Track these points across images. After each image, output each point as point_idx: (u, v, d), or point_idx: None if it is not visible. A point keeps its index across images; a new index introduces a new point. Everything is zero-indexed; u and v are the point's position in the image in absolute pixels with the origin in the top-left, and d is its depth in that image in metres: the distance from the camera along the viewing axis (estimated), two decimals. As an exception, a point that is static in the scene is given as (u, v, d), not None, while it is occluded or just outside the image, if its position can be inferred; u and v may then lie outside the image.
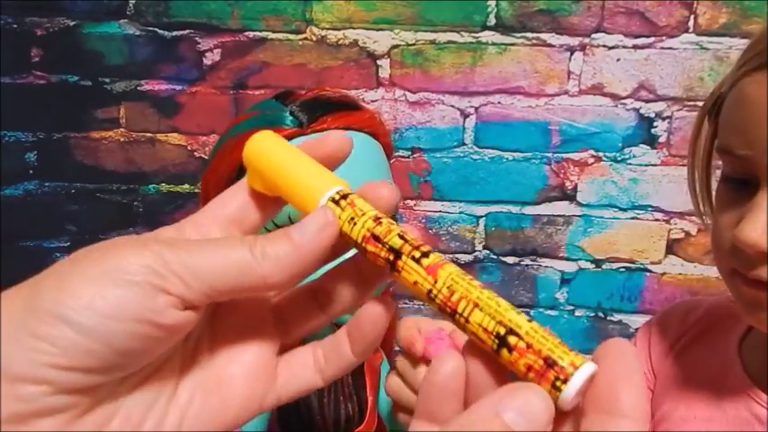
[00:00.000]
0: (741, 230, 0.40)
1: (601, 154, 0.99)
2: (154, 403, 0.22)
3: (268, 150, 0.25)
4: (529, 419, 0.18)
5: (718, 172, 0.49)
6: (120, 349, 0.20)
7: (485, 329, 0.20)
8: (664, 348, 0.60)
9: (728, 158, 0.44)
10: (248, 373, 0.24)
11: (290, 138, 0.46)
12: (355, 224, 0.23)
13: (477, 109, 1.00)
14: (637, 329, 0.66)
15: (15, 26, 1.01)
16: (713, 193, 0.52)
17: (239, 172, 0.50)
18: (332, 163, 0.25)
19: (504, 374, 0.21)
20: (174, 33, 1.00)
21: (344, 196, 0.23)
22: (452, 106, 1.00)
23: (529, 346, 0.19)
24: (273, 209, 0.26)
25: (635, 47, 0.95)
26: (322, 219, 0.22)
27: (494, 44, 0.97)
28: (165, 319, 0.20)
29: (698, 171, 0.53)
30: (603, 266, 1.04)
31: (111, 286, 0.19)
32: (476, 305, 0.20)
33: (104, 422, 0.20)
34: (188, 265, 0.20)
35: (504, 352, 0.19)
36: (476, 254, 1.05)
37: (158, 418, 0.22)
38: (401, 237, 0.22)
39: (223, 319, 0.25)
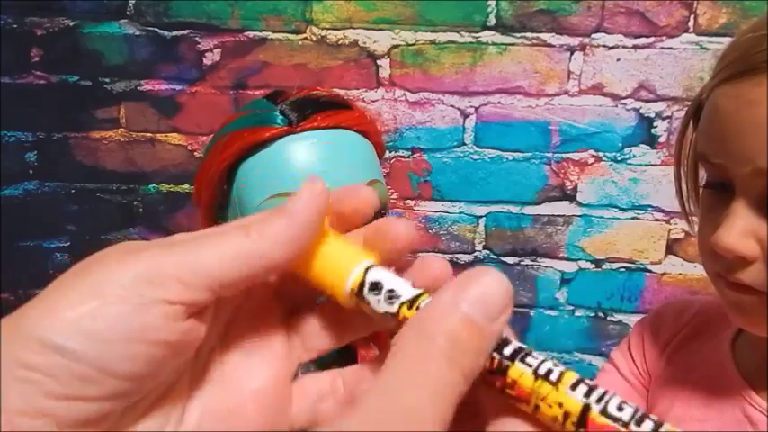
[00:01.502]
0: (717, 236, 0.42)
1: (601, 154, 0.99)
2: (161, 430, 0.20)
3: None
4: (487, 306, 0.18)
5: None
6: (121, 374, 0.18)
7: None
8: (658, 348, 0.61)
9: (706, 165, 0.46)
10: (261, 401, 0.22)
11: (280, 136, 0.46)
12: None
13: (477, 109, 1.00)
14: (636, 329, 0.66)
15: (15, 26, 1.01)
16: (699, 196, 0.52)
17: (230, 170, 0.50)
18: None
19: None
20: (174, 33, 1.00)
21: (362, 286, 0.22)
22: (452, 106, 1.00)
23: None
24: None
25: (635, 47, 0.95)
26: (309, 191, 0.21)
27: (494, 44, 0.97)
28: (166, 335, 0.18)
29: (683, 174, 0.54)
30: (603, 266, 1.04)
31: (100, 304, 0.18)
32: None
33: None
34: (185, 263, 0.19)
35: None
36: (476, 254, 1.05)
37: None
38: None
39: (234, 335, 0.23)
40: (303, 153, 0.45)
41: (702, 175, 0.52)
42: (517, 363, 0.19)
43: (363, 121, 0.49)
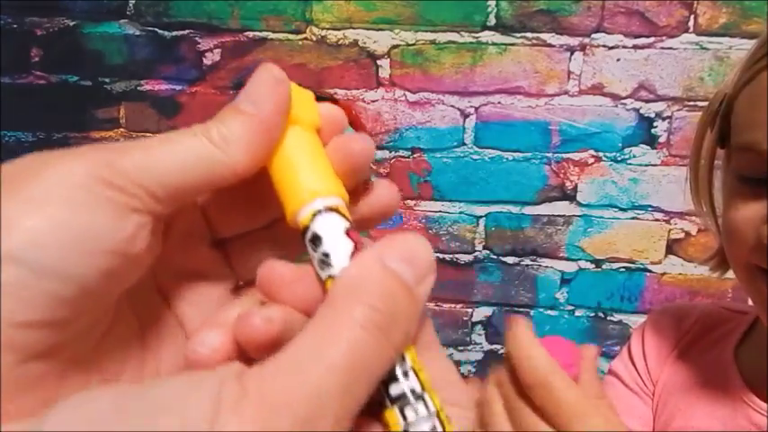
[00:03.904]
0: None
1: (601, 154, 0.99)
2: (126, 358, 0.19)
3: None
4: (414, 266, 0.17)
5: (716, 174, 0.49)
6: (86, 287, 0.16)
7: None
8: (660, 356, 0.59)
9: (747, 155, 0.43)
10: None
11: None
12: None
13: (477, 109, 1.00)
14: (637, 330, 0.65)
15: (15, 26, 1.01)
16: (713, 195, 0.51)
17: None
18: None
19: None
20: (174, 33, 1.00)
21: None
22: (452, 106, 1.00)
23: None
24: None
25: (635, 47, 0.95)
26: (269, 77, 0.18)
27: (494, 44, 0.97)
28: (135, 246, 0.17)
29: (700, 172, 0.53)
30: (603, 266, 1.04)
31: (55, 209, 0.15)
32: None
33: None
34: (143, 164, 0.16)
35: None
36: (476, 254, 1.05)
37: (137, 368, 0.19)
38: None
39: (169, 264, 0.21)
40: None
41: (715, 175, 0.51)
42: (395, 409, 0.16)
43: (349, 114, 0.56)
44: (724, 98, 0.46)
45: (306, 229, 0.18)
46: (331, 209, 0.18)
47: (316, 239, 0.18)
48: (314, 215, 0.18)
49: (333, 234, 0.18)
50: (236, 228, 0.22)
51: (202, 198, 0.21)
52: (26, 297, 0.15)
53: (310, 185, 0.18)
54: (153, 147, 0.17)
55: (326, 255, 0.18)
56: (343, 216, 0.18)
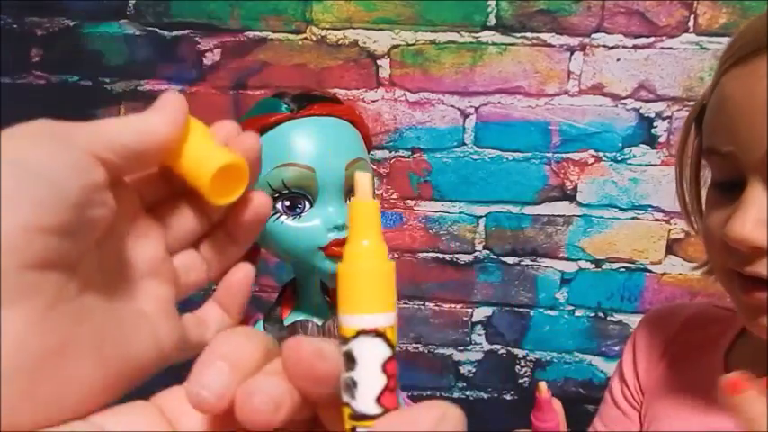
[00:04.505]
0: (730, 228, 0.40)
1: (601, 154, 0.99)
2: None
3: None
4: None
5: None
6: (76, 202, 0.18)
7: None
8: (650, 363, 0.59)
9: (714, 159, 0.44)
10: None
11: (284, 120, 0.54)
12: None
13: (477, 109, 1.00)
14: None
15: (15, 26, 1.01)
16: (703, 203, 0.51)
17: None
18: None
19: None
20: (174, 33, 1.00)
21: None
22: (452, 106, 1.00)
23: None
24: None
25: (635, 47, 0.95)
26: (167, 96, 0.23)
27: (494, 44, 0.97)
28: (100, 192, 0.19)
29: (686, 182, 0.53)
30: (603, 266, 1.04)
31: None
32: None
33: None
34: (87, 128, 0.20)
35: None
36: (476, 254, 1.05)
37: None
38: None
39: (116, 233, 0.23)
40: (302, 133, 0.53)
41: (704, 178, 0.51)
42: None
43: (352, 113, 0.58)
44: (702, 108, 0.47)
45: (344, 338, 0.18)
46: (378, 333, 0.17)
47: (350, 359, 0.17)
48: (357, 334, 0.17)
49: (369, 364, 0.17)
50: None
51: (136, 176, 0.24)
52: (17, 198, 0.17)
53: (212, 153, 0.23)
54: (100, 122, 0.21)
55: (354, 382, 0.17)
56: (388, 342, 0.18)
